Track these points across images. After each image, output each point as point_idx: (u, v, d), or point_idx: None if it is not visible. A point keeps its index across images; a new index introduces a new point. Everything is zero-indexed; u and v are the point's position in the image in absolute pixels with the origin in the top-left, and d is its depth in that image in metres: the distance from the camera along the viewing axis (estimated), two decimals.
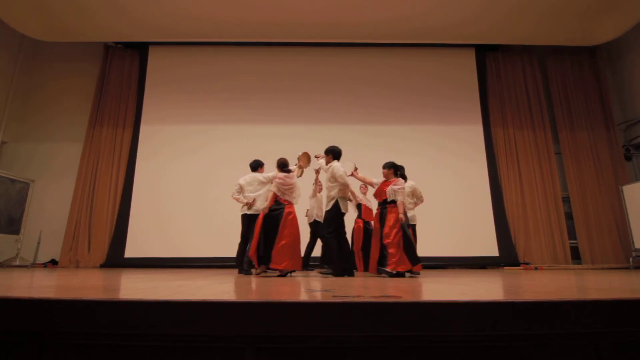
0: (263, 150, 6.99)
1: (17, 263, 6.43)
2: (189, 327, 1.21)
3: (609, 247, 6.90)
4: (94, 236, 6.83)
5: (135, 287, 2.09)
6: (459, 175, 7.27)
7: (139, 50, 7.98)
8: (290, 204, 3.97)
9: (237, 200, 4.49)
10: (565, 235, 6.97)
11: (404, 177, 4.00)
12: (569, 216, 7.21)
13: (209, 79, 7.79)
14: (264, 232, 3.71)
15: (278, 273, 3.70)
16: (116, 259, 6.64)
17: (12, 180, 6.61)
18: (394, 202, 3.74)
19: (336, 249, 3.79)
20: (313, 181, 4.96)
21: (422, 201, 4.75)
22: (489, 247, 6.85)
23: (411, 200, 4.56)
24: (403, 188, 3.79)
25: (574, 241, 7.06)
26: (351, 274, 3.72)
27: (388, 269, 3.51)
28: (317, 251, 5.29)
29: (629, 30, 6.87)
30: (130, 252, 6.73)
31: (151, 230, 6.85)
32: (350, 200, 4.54)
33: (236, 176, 5.42)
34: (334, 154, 4.05)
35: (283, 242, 3.67)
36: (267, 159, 4.88)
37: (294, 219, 3.85)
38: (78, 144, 7.41)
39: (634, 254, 6.47)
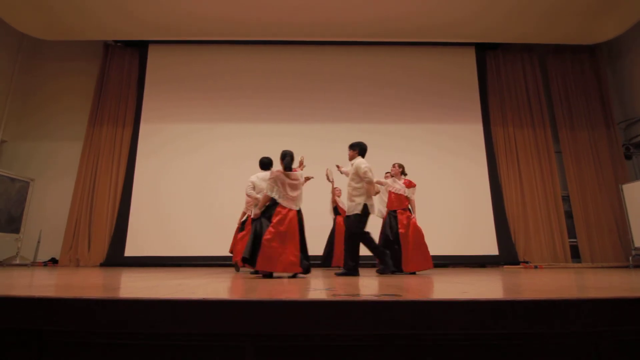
0: (263, 149, 6.99)
1: (17, 262, 6.43)
2: (189, 326, 1.21)
3: (608, 246, 6.90)
4: (94, 235, 6.84)
5: (135, 286, 2.09)
6: (458, 174, 7.27)
7: (139, 49, 7.97)
8: None
9: None
10: (565, 234, 6.97)
11: (289, 168, 3.59)
12: (569, 215, 7.21)
13: (210, 78, 7.78)
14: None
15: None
16: (116, 257, 6.64)
17: (12, 179, 6.60)
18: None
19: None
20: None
21: (369, 183, 3.63)
22: (489, 246, 6.86)
23: (356, 185, 3.70)
24: (272, 179, 3.53)
25: (574, 240, 7.06)
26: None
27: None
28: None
29: (629, 28, 6.86)
30: (130, 251, 6.73)
31: (151, 229, 6.85)
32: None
33: (237, 175, 5.45)
34: (260, 164, 4.33)
35: None
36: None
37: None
38: (78, 142, 7.40)
39: (633, 252, 6.47)
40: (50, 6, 6.42)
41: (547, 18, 6.72)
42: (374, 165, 4.27)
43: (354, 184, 3.70)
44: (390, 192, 4.53)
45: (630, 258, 6.50)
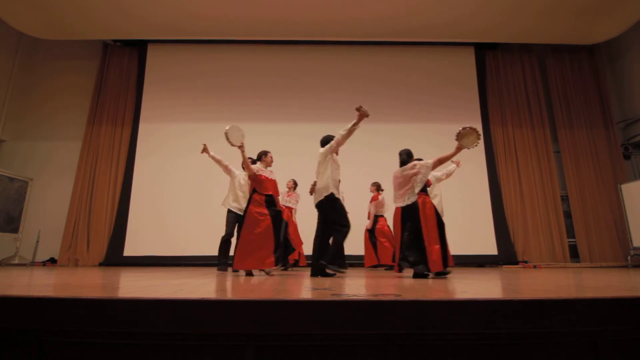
0: (263, 148, 7.02)
1: (16, 262, 6.42)
2: (189, 325, 1.21)
3: (607, 246, 6.92)
4: (93, 234, 6.82)
5: (135, 285, 2.09)
6: (458, 173, 7.22)
7: (138, 48, 7.95)
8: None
9: None
10: (563, 234, 6.99)
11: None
12: (568, 215, 7.22)
13: (209, 77, 7.77)
14: None
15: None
16: (115, 257, 6.63)
17: (11, 179, 6.59)
18: None
19: None
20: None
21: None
22: (488, 246, 6.86)
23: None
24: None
25: (573, 240, 7.07)
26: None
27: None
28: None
29: (628, 29, 6.87)
30: (129, 250, 6.72)
31: (150, 228, 6.84)
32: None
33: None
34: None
35: None
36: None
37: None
38: (77, 142, 7.39)
39: (632, 252, 6.49)
40: (49, 5, 6.41)
41: (545, 17, 6.73)
42: (370, 164, 4.27)
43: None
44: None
45: (629, 258, 6.51)
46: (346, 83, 7.76)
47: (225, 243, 4.38)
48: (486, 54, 8.09)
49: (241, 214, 4.31)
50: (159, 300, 1.28)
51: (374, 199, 5.42)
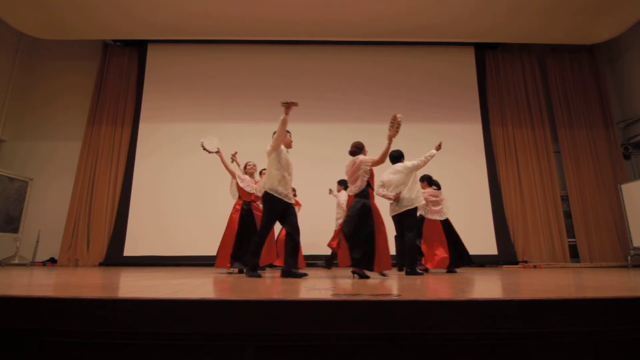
0: (263, 148, 7.02)
1: (16, 261, 6.42)
2: (189, 325, 1.21)
3: (607, 246, 6.92)
4: (93, 234, 6.83)
5: (135, 285, 2.09)
6: (458, 173, 7.27)
7: (138, 48, 7.95)
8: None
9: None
10: (563, 234, 6.99)
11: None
12: (568, 215, 7.22)
13: (209, 77, 7.77)
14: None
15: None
16: (115, 257, 6.63)
17: (11, 179, 6.59)
18: None
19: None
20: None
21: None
22: (488, 246, 6.86)
23: None
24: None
25: (573, 240, 7.07)
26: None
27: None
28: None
29: (628, 29, 6.87)
30: (129, 250, 6.72)
31: (150, 228, 6.84)
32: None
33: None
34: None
35: None
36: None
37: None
38: (77, 142, 7.39)
39: (632, 252, 6.49)
40: (49, 5, 6.41)
41: (545, 17, 6.73)
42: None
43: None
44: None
45: (629, 258, 6.51)
46: (346, 83, 7.76)
47: (294, 240, 3.29)
48: (486, 54, 8.09)
49: (288, 201, 3.41)
50: (159, 300, 1.28)
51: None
